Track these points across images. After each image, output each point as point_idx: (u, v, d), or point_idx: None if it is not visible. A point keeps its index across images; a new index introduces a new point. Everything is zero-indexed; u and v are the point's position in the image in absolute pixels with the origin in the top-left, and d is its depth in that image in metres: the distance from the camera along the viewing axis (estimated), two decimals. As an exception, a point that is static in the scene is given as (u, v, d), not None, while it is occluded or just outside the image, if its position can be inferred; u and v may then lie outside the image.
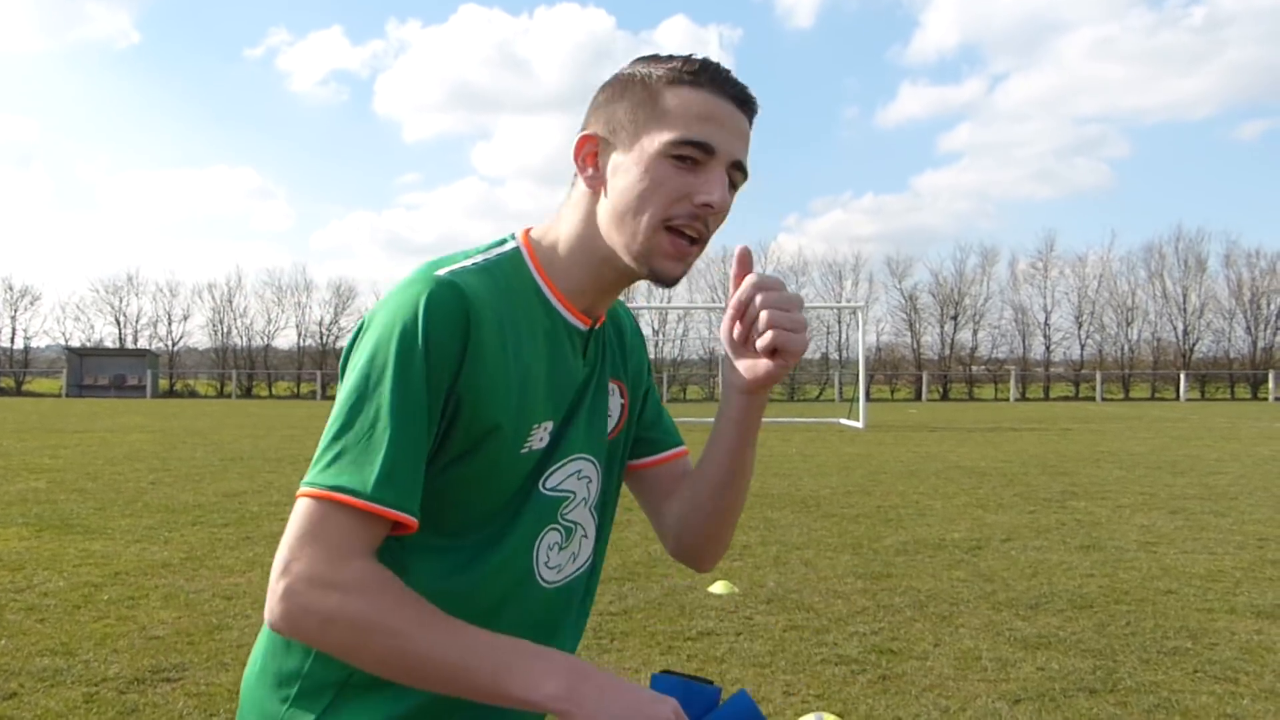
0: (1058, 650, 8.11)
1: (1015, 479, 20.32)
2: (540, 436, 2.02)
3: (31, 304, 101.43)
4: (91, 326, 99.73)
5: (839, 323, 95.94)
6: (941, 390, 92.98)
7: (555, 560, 2.12)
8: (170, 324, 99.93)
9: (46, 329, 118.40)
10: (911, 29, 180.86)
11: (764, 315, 1.88)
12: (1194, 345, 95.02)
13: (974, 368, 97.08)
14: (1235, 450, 27.58)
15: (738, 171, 2.01)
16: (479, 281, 1.94)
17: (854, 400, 47.08)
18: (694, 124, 1.93)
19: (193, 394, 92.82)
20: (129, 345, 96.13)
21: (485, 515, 2.00)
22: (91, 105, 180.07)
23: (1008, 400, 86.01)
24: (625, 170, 1.98)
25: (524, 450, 1.99)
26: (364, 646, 1.73)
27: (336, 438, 1.82)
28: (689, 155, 1.93)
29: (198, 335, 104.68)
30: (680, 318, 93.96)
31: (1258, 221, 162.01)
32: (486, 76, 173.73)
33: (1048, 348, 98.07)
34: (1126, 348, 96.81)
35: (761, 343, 1.89)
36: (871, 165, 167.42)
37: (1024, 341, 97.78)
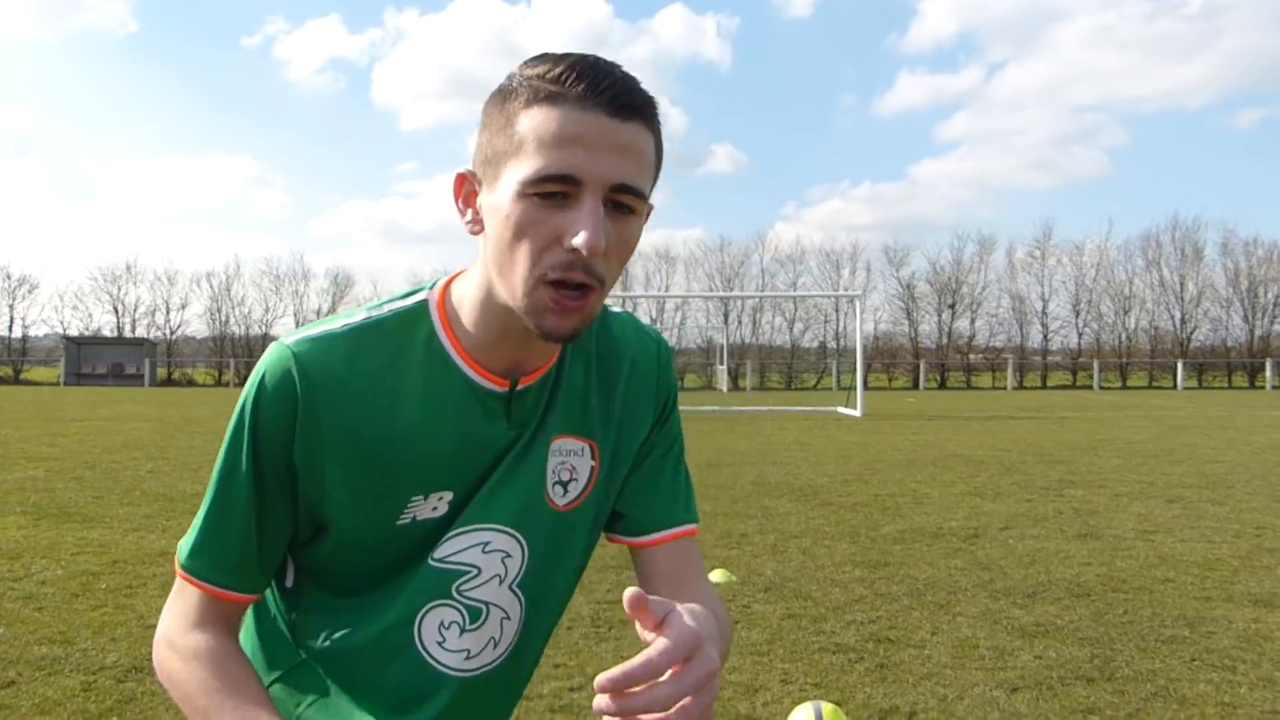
0: (1055, 639, 8.11)
1: (1013, 467, 20.32)
2: (433, 506, 1.92)
3: (30, 292, 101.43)
4: (89, 315, 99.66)
5: (836, 311, 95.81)
6: (939, 379, 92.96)
7: (456, 643, 1.99)
8: (168, 313, 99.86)
9: (44, 318, 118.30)
10: (909, 17, 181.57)
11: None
12: (1191, 334, 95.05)
13: (971, 356, 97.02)
14: (1232, 438, 27.61)
15: (625, 194, 1.71)
16: (345, 347, 1.86)
17: (851, 389, 47.05)
18: (550, 151, 1.66)
19: (191, 382, 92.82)
20: (127, 334, 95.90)
21: (366, 582, 1.97)
22: (89, 94, 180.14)
23: (1005, 389, 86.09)
24: (491, 213, 1.77)
25: (403, 522, 1.90)
26: (185, 711, 1.83)
27: (199, 516, 1.92)
28: (550, 191, 1.67)
29: (196, 324, 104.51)
30: (678, 306, 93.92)
31: (1255, 210, 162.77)
32: (484, 65, 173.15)
33: (1045, 336, 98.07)
34: (1124, 336, 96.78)
35: None
36: (869, 154, 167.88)
37: (1021, 330, 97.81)
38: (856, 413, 40.05)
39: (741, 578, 10.15)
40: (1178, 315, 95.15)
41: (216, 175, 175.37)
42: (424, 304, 1.95)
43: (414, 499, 1.89)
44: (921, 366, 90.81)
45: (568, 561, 2.10)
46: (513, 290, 1.75)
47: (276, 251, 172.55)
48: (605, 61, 1.73)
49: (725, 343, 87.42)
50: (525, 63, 1.76)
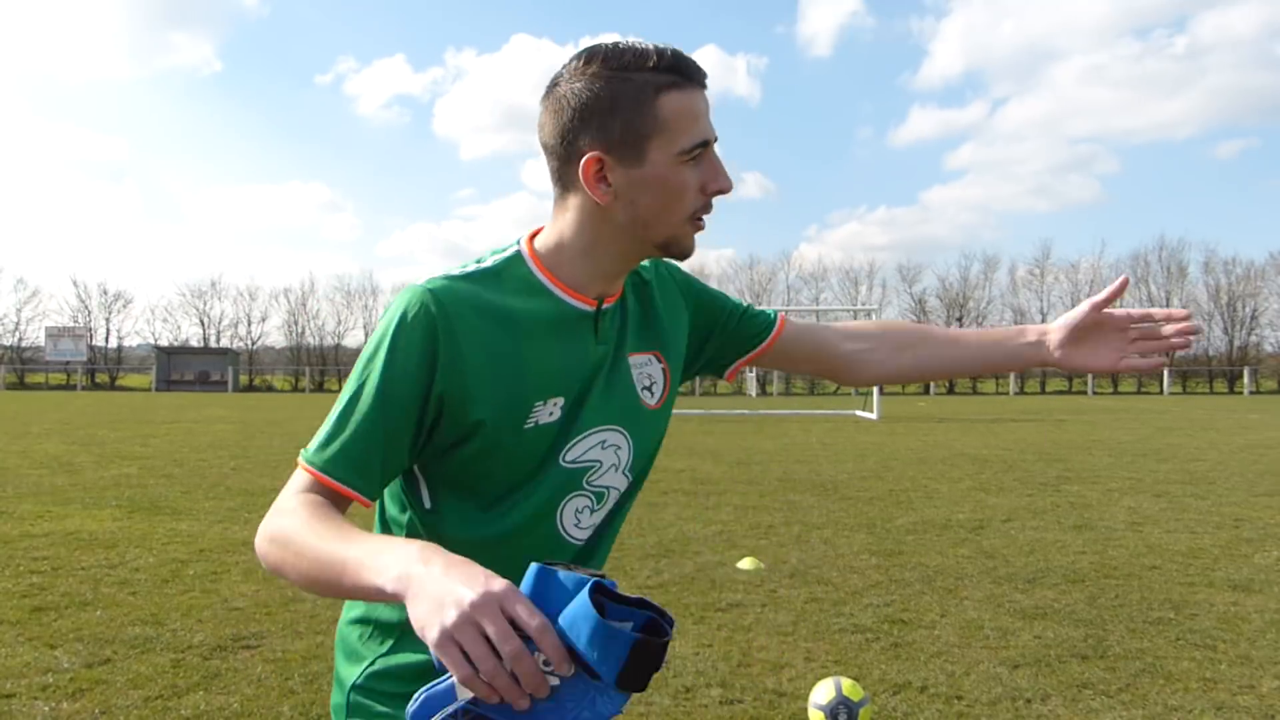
0: (1053, 620, 8.06)
1: (1014, 465, 20.21)
2: (550, 411, 2.03)
3: (124, 307, 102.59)
4: (178, 327, 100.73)
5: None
6: (948, 385, 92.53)
7: (587, 522, 2.16)
8: (249, 325, 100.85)
9: (137, 329, 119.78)
10: (920, 57, 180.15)
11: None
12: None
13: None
14: (1214, 439, 27.36)
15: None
16: (467, 285, 2.01)
17: (869, 394, 46.88)
18: (692, 126, 1.96)
19: (270, 389, 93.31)
20: (212, 344, 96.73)
21: (506, 486, 2.05)
22: (178, 127, 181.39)
23: (1008, 394, 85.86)
24: (644, 184, 1.98)
25: (528, 426, 2.01)
26: (282, 560, 1.80)
27: (326, 422, 1.98)
28: (697, 156, 1.96)
29: (274, 335, 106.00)
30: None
31: (1234, 232, 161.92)
32: (536, 100, 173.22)
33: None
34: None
35: (1148, 357, 2.12)
36: (884, 181, 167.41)
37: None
38: (874, 416, 39.87)
39: (769, 564, 10.11)
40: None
41: (293, 200, 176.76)
42: (519, 252, 2.12)
43: (536, 405, 2.01)
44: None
45: (657, 446, 2.31)
46: (671, 231, 2.02)
47: (347, 269, 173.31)
48: (669, 46, 2.01)
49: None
50: (611, 63, 1.96)
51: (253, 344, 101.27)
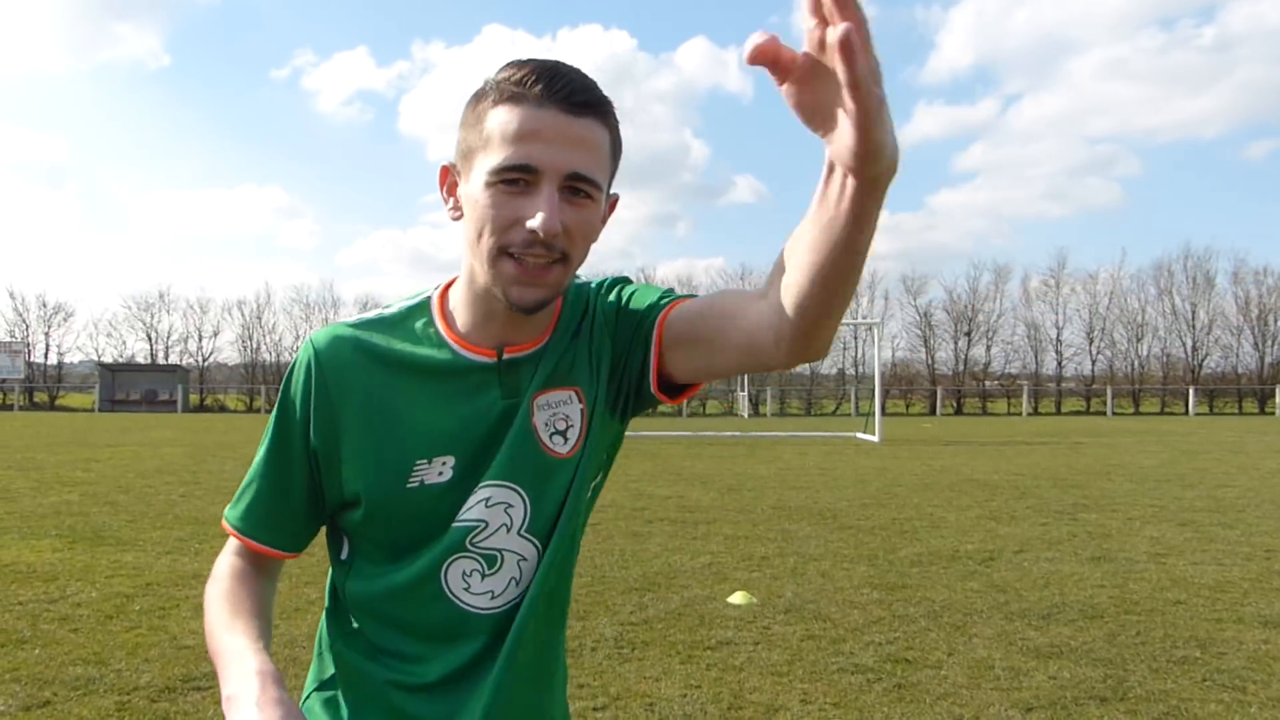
0: (1069, 659, 8.08)
1: (1027, 492, 20.26)
2: (438, 471, 2.06)
3: (64, 320, 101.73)
4: (123, 342, 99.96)
5: (855, 339, 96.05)
6: (955, 405, 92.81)
7: (479, 587, 2.12)
8: (200, 340, 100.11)
9: (79, 345, 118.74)
10: (927, 50, 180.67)
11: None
12: (1203, 361, 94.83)
13: (987, 383, 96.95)
14: (1243, 464, 27.47)
15: (579, 182, 1.90)
16: (355, 335, 2.10)
17: (870, 415, 46.99)
18: (512, 145, 1.88)
19: (223, 409, 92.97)
20: (160, 361, 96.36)
21: (401, 545, 2.12)
22: (122, 125, 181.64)
23: (1020, 415, 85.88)
24: (467, 201, 1.99)
25: (411, 485, 2.06)
26: (205, 631, 2.08)
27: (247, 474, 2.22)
28: (513, 179, 1.88)
29: (227, 351, 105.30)
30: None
31: (1265, 240, 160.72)
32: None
33: (1059, 363, 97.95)
34: (1136, 363, 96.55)
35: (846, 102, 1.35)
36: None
37: (1036, 357, 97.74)
38: (875, 438, 39.87)
39: (762, 599, 10.12)
40: (1189, 343, 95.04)
41: (247, 205, 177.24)
42: (426, 299, 2.18)
43: (419, 463, 2.05)
44: (938, 393, 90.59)
45: (573, 501, 2.17)
46: (482, 265, 1.95)
47: (306, 280, 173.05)
48: (565, 65, 1.94)
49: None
50: (499, 68, 1.97)
51: (204, 361, 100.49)
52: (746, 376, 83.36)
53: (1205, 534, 14.59)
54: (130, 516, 16.05)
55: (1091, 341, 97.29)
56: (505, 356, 2.10)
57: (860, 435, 43.02)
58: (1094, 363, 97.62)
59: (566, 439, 2.16)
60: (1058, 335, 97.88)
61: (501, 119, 1.89)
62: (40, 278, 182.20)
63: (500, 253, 1.91)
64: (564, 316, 2.21)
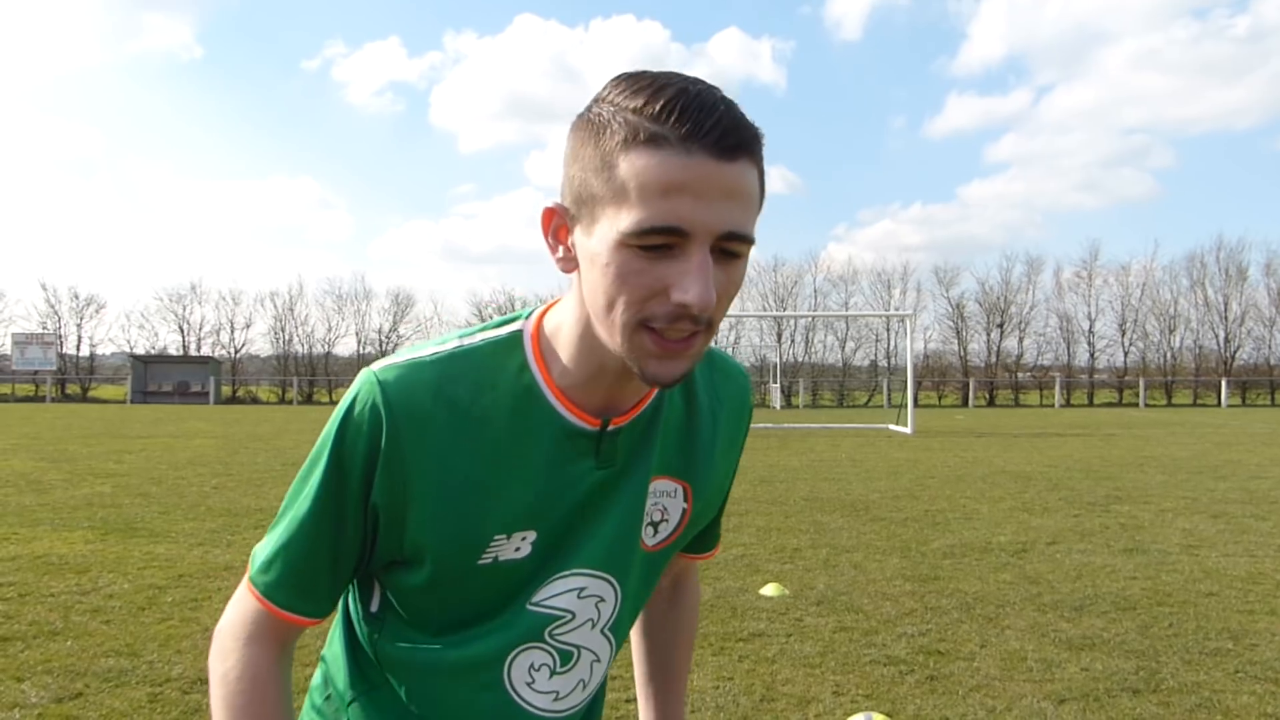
0: (1102, 651, 8.06)
1: (1060, 483, 20.24)
2: (515, 547, 1.80)
3: (97, 312, 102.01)
4: (155, 334, 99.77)
5: (887, 331, 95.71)
6: (988, 396, 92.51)
7: (546, 685, 1.91)
8: (233, 331, 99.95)
9: (111, 336, 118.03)
10: (959, 41, 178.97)
11: None
12: (1235, 352, 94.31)
13: (1019, 374, 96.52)
14: (1276, 456, 27.40)
15: (734, 241, 1.54)
16: (432, 376, 1.76)
17: (902, 406, 46.91)
18: (655, 202, 1.48)
19: (254, 400, 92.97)
20: (192, 353, 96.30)
21: (452, 622, 1.88)
22: (154, 117, 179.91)
23: (1052, 406, 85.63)
24: (590, 258, 1.60)
25: (484, 562, 1.80)
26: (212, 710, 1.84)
27: (272, 527, 1.88)
28: (655, 244, 1.51)
29: (259, 343, 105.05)
30: (732, 325, 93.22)
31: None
32: (542, 88, 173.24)
33: (1092, 355, 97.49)
34: (1169, 355, 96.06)
35: None
36: (919, 175, 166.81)
37: (1068, 349, 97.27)
38: (907, 430, 39.91)
39: (794, 591, 10.13)
40: (1222, 334, 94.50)
41: (279, 196, 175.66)
42: (518, 334, 1.83)
43: (496, 538, 1.78)
44: (970, 384, 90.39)
45: (646, 599, 2.04)
46: (613, 336, 1.60)
47: (338, 271, 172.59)
48: (707, 92, 1.54)
49: (779, 361, 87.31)
50: (617, 86, 1.58)
51: (236, 352, 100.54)
52: (779, 367, 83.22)
53: (1238, 525, 14.58)
54: (162, 508, 16.11)
55: (1124, 333, 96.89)
56: (610, 428, 1.82)
57: (893, 427, 42.93)
58: (1126, 354, 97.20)
59: (658, 532, 1.96)
60: (1090, 327, 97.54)
61: (638, 167, 1.49)
62: (72, 269, 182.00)
63: (639, 326, 1.56)
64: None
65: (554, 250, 1.70)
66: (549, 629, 1.86)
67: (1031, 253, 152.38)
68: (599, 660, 1.95)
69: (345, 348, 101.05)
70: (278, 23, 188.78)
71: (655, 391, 1.88)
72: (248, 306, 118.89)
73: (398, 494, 1.74)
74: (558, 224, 1.68)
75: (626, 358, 1.61)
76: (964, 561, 11.81)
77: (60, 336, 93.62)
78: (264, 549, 1.87)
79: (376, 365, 1.78)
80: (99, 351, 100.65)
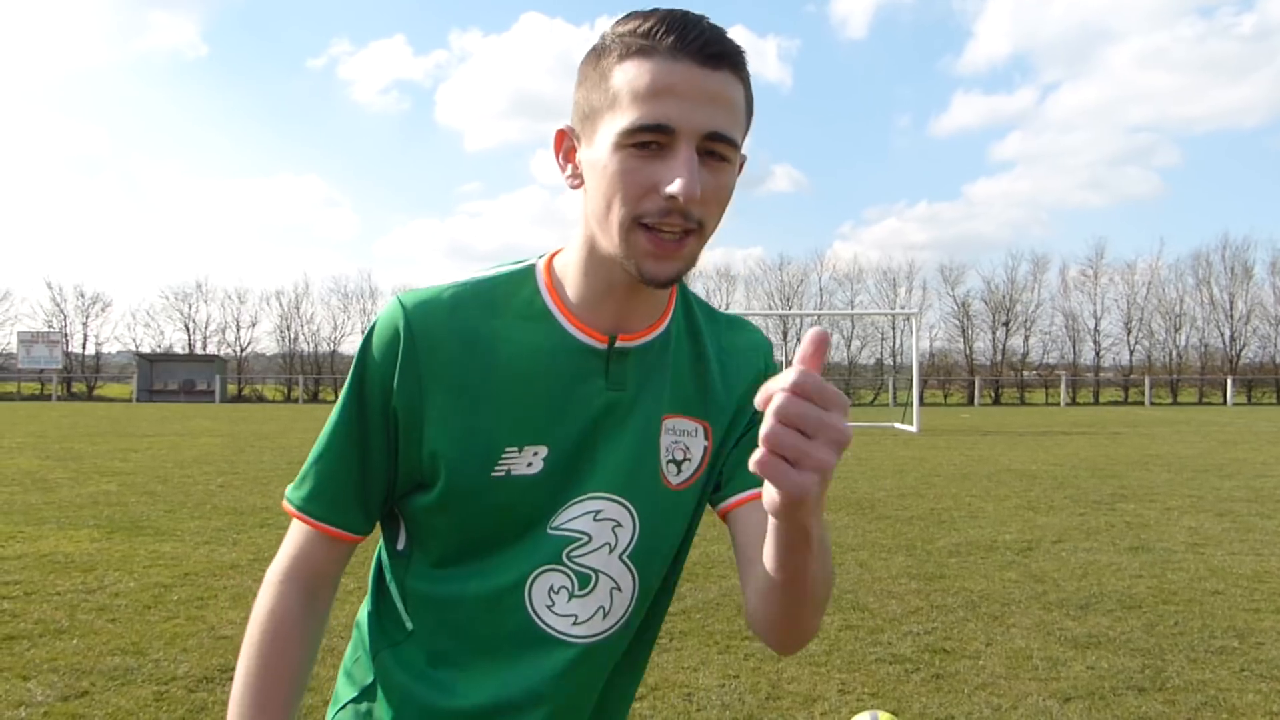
0: (1107, 649, 8.06)
1: (1065, 482, 20.24)
2: (528, 462, 1.87)
3: (102, 310, 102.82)
4: (161, 332, 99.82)
5: (893, 329, 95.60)
6: (993, 395, 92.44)
7: (565, 608, 1.93)
8: (238, 330, 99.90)
9: (117, 335, 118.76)
10: (964, 39, 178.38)
11: (766, 428, 1.30)
12: (1241, 351, 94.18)
13: (1025, 373, 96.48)
14: (1283, 453, 27.30)
15: (718, 142, 1.70)
16: (449, 301, 1.90)
17: (908, 405, 46.91)
18: (645, 103, 1.67)
19: (260, 399, 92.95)
20: (198, 351, 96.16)
21: (475, 542, 1.94)
22: (159, 115, 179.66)
23: (1058, 405, 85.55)
24: (592, 166, 1.77)
25: (497, 474, 1.86)
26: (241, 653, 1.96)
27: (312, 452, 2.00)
28: (647, 141, 1.68)
29: (265, 341, 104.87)
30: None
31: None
32: (548, 86, 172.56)
33: (1097, 353, 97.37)
34: (1174, 353, 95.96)
35: (751, 460, 1.32)
36: (924, 174, 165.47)
37: (1074, 347, 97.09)
38: (913, 428, 39.97)
39: (799, 589, 10.06)
40: (1227, 333, 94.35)
41: (285, 195, 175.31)
42: (531, 267, 1.99)
43: (508, 450, 1.87)
44: (976, 383, 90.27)
45: (675, 539, 2.04)
46: (611, 237, 1.76)
47: (344, 270, 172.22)
48: (693, 14, 1.73)
49: (784, 360, 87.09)
50: (617, 21, 1.77)
51: (242, 350, 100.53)
52: (785, 366, 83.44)
53: (1243, 524, 14.58)
54: (168, 506, 16.14)
55: (1129, 331, 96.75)
56: (618, 345, 1.93)
57: (898, 425, 42.99)
58: (1132, 353, 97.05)
59: (681, 471, 2.00)
60: (1095, 325, 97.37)
61: (630, 74, 1.69)
62: (78, 268, 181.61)
63: (634, 223, 1.72)
64: (679, 311, 2.07)
65: (563, 170, 1.88)
66: (566, 550, 1.91)
67: (1037, 251, 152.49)
68: (619, 589, 1.97)
69: (351, 346, 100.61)
70: (283, 21, 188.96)
71: (665, 322, 2.00)
72: (253, 305, 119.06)
73: (414, 400, 1.85)
74: (568, 145, 1.87)
75: (624, 259, 1.76)
76: (969, 560, 11.82)
77: (66, 335, 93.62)
78: (302, 469, 1.98)
79: (403, 294, 1.92)
80: (104, 350, 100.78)
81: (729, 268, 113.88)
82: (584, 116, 1.80)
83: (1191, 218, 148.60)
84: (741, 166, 1.88)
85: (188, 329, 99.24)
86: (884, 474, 21.92)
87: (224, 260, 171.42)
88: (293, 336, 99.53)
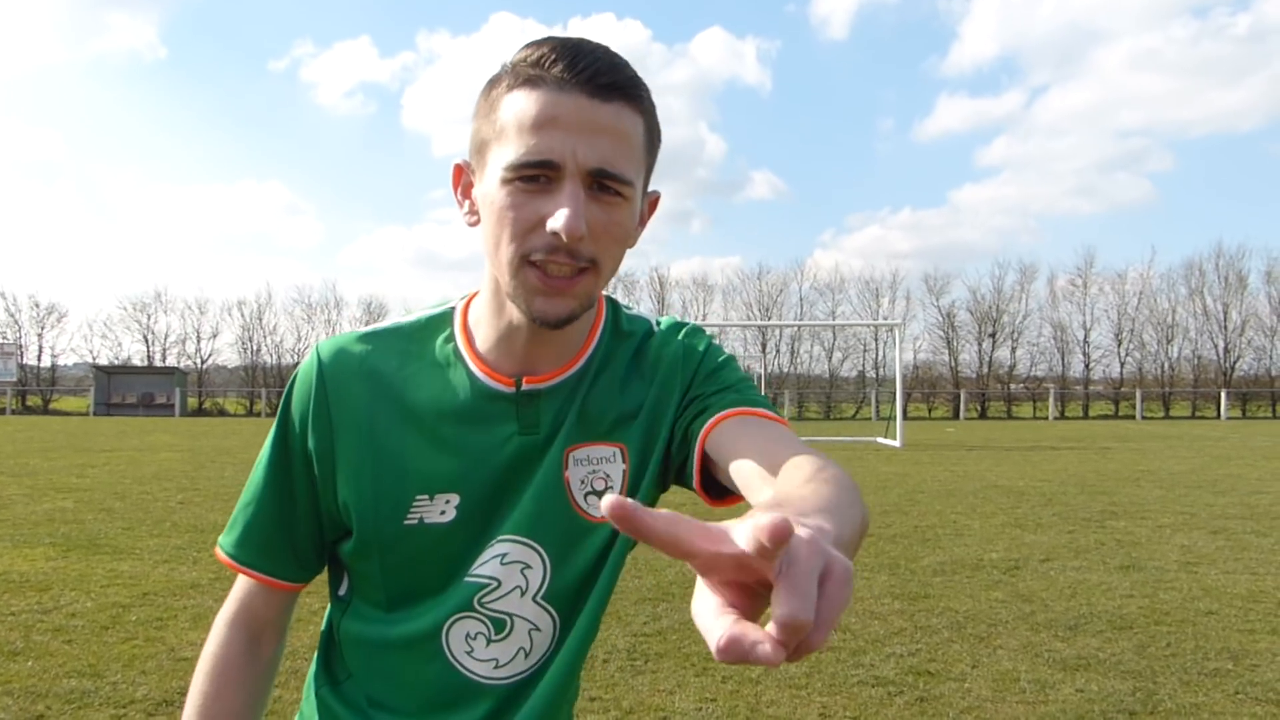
0: (1097, 672, 8.08)
1: (1054, 498, 20.27)
2: (440, 510, 1.91)
3: (58, 321, 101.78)
4: (119, 344, 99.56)
5: (875, 340, 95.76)
6: (979, 408, 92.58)
7: (484, 653, 1.98)
8: (199, 342, 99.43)
9: (73, 346, 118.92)
10: (949, 40, 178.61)
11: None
12: (1235, 363, 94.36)
13: (1012, 386, 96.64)
14: (1277, 469, 27.44)
15: (609, 179, 1.69)
16: (364, 348, 1.96)
17: (891, 419, 47.05)
18: (529, 136, 1.66)
19: (222, 412, 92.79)
20: (157, 363, 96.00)
21: (399, 591, 1.99)
22: (117, 119, 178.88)
23: (1046, 419, 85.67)
24: (483, 203, 1.78)
25: (410, 522, 1.91)
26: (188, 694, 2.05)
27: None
28: (533, 175, 1.67)
29: (227, 353, 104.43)
30: (715, 335, 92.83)
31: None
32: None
33: (1087, 365, 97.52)
34: (1167, 365, 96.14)
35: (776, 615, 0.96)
36: (908, 179, 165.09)
37: (1063, 359, 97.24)
38: (896, 443, 39.96)
39: (779, 610, 10.07)
40: (1221, 344, 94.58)
41: (246, 202, 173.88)
42: (450, 310, 2.03)
43: (419, 498, 1.91)
44: (962, 396, 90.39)
45: (597, 570, 2.02)
46: (504, 275, 1.76)
47: (308, 280, 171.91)
48: (590, 43, 1.72)
49: (763, 372, 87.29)
50: (516, 51, 1.76)
51: (202, 363, 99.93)
52: (764, 378, 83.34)
53: (1238, 542, 14.61)
54: (127, 524, 16.07)
55: (1120, 343, 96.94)
56: (524, 388, 1.93)
57: (881, 440, 43.08)
58: (1123, 365, 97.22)
59: (600, 496, 1.96)
60: (1085, 336, 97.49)
61: (518, 105, 1.68)
62: (32, 277, 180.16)
63: (523, 261, 1.71)
64: (600, 346, 2.03)
65: (460, 205, 1.90)
66: (477, 596, 1.95)
67: (1025, 260, 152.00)
68: (538, 629, 1.99)
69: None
70: (244, 21, 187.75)
71: (582, 358, 1.99)
72: (214, 315, 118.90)
73: (326, 446, 1.92)
74: (465, 180, 1.88)
75: (515, 297, 1.77)
76: (955, 579, 11.82)
77: (20, 346, 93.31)
78: (231, 518, 2.06)
79: (322, 340, 2.01)
80: (60, 362, 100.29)
81: (706, 277, 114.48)
82: (476, 149, 1.81)
83: (1184, 225, 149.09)
84: (654, 205, 1.92)
85: (146, 340, 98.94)
86: (866, 490, 21.82)
87: (184, 269, 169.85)
88: (255, 348, 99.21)
